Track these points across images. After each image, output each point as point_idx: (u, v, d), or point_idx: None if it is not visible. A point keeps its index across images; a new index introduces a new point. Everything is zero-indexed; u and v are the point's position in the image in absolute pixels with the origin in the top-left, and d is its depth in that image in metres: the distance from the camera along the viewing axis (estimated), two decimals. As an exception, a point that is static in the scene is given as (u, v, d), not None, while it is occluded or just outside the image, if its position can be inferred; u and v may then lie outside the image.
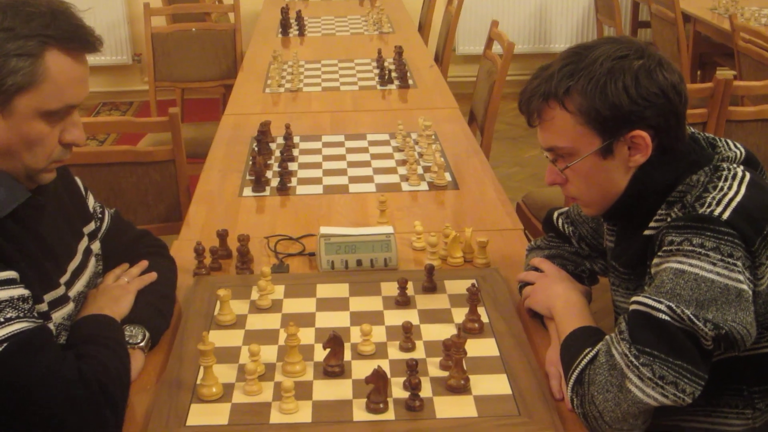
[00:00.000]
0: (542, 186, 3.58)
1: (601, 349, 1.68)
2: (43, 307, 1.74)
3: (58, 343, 1.74)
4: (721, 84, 3.30)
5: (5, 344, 1.57)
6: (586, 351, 1.70)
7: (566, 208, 2.20)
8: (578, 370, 1.69)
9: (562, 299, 1.94)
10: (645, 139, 1.74)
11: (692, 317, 1.59)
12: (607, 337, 1.70)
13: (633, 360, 1.60)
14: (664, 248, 1.69)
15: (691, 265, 1.63)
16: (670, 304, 1.60)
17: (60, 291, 1.81)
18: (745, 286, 1.62)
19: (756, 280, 1.66)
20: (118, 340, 1.82)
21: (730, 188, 1.70)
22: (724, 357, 1.73)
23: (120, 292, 1.99)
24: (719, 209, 1.65)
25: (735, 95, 3.51)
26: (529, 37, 7.40)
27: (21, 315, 1.62)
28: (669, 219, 1.73)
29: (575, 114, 1.74)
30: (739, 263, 1.62)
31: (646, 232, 1.79)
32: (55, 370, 1.60)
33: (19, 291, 1.65)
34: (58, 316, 1.79)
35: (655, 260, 1.71)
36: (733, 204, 1.66)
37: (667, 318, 1.60)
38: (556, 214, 2.20)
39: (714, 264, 1.62)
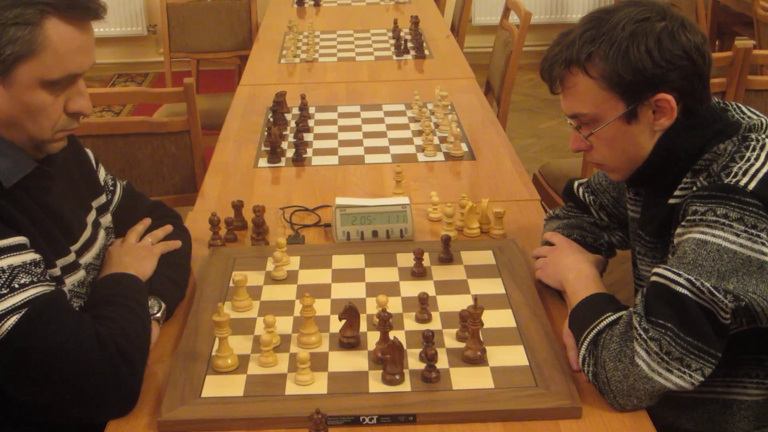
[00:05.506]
0: (559, 157, 3.56)
1: (623, 317, 1.67)
2: (56, 271, 1.74)
3: (74, 307, 1.73)
4: (740, 53, 3.27)
5: (25, 309, 1.57)
6: (607, 315, 1.70)
7: (586, 179, 2.18)
8: (596, 331, 1.68)
9: (573, 272, 1.92)
10: (670, 102, 1.71)
11: (712, 289, 1.57)
12: (631, 308, 1.68)
13: (642, 333, 1.59)
14: (688, 218, 1.66)
15: (714, 235, 1.60)
16: (690, 276, 1.59)
17: (71, 258, 1.80)
18: None
19: None
20: (140, 301, 1.83)
21: (757, 159, 1.67)
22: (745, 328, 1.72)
23: (145, 252, 1.98)
24: (745, 179, 1.63)
25: (754, 64, 3.49)
26: (546, 7, 7.32)
27: (35, 280, 1.62)
28: (694, 188, 1.71)
29: (598, 80, 1.72)
30: (763, 234, 1.59)
31: (672, 201, 1.77)
32: (73, 335, 1.60)
33: (31, 256, 1.64)
34: (69, 282, 1.79)
35: (679, 230, 1.69)
36: (760, 175, 1.64)
37: (685, 292, 1.59)
38: (576, 184, 2.17)
39: (737, 235, 1.60)
